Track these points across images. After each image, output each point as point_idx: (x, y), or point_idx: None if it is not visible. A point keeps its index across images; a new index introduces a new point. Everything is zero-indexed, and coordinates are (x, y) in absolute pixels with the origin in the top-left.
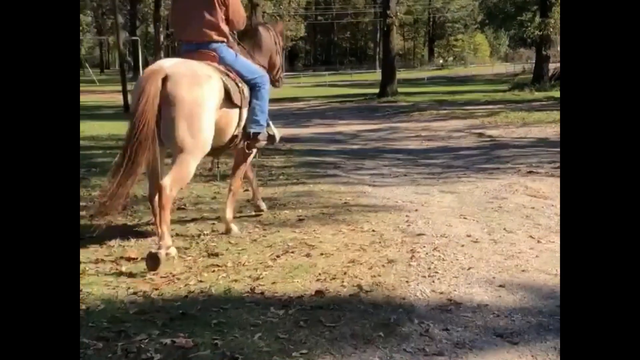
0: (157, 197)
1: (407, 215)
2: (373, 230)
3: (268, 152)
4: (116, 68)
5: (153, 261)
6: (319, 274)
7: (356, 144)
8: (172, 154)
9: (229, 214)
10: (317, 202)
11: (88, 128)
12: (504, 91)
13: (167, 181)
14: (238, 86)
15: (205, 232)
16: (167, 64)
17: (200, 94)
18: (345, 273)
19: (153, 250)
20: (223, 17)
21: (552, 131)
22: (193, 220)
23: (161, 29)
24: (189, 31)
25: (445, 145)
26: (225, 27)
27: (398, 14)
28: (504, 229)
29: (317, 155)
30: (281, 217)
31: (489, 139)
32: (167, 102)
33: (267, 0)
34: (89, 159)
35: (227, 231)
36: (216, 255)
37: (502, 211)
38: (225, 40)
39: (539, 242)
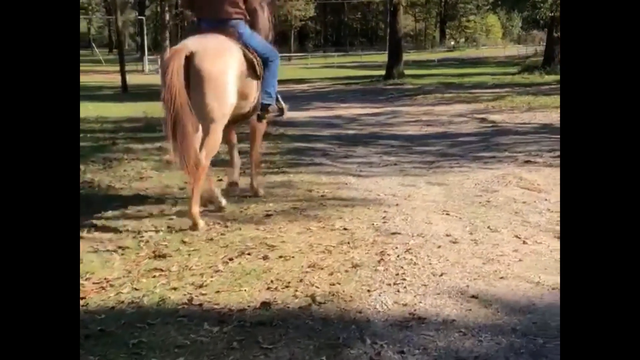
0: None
1: (385, 211)
2: (344, 229)
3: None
4: (125, 48)
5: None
6: (271, 281)
7: (352, 129)
8: (202, 125)
9: (256, 182)
10: (292, 194)
11: (81, 109)
12: (514, 74)
13: (203, 154)
14: (256, 60)
15: (159, 229)
16: (190, 41)
17: (223, 66)
18: (301, 280)
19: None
20: None
21: (557, 116)
22: (150, 215)
23: (167, 9)
24: (210, 9)
25: (444, 131)
26: (243, 6)
27: None
28: (488, 227)
29: (308, 141)
30: (248, 211)
31: (490, 124)
32: (194, 76)
33: None
34: None
35: (255, 194)
36: (163, 256)
37: (489, 206)
38: (243, 17)
39: (524, 242)
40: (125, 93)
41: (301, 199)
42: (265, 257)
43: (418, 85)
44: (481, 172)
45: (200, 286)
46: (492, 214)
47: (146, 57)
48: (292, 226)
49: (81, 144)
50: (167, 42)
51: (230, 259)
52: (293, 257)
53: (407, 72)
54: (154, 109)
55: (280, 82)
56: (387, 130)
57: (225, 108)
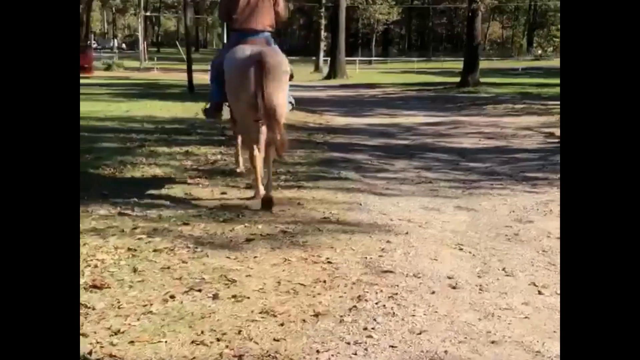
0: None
1: (388, 241)
2: (329, 262)
3: (292, 146)
4: (213, 47)
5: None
6: (202, 332)
7: (404, 139)
8: (269, 121)
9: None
10: (291, 214)
11: (133, 107)
12: None
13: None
14: None
15: (120, 252)
16: (260, 49)
17: (286, 72)
18: (240, 332)
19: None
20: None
21: None
22: (120, 232)
23: None
24: (251, 21)
25: (503, 145)
26: (274, 19)
27: None
28: (503, 269)
29: (348, 151)
30: (230, 233)
31: (556, 140)
32: (272, 76)
33: None
34: (92, 143)
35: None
36: (100, 288)
37: (515, 241)
38: (272, 30)
39: (539, 293)
40: (191, 92)
41: (298, 220)
42: (215, 296)
43: (492, 94)
44: (523, 196)
45: (117, 332)
46: (514, 251)
47: None
48: (270, 255)
49: (107, 145)
50: None
51: (172, 297)
52: (248, 297)
53: (485, 80)
54: None
55: (352, 86)
56: (440, 142)
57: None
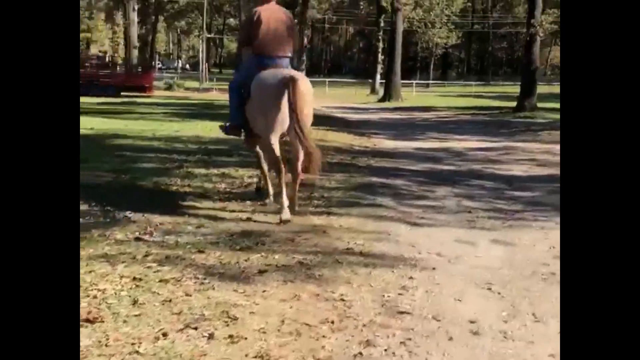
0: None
1: (411, 277)
2: (342, 299)
3: (333, 169)
4: None
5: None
6: None
7: (451, 165)
8: (300, 140)
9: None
10: (313, 244)
11: (184, 127)
12: None
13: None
14: None
15: (124, 281)
16: (294, 74)
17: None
18: None
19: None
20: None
21: None
22: (131, 260)
23: (306, 31)
24: (277, 47)
25: (554, 173)
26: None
27: (544, 23)
28: (533, 313)
29: (389, 176)
30: (245, 263)
31: None
32: (303, 99)
33: (418, 7)
34: (133, 163)
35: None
36: (92, 322)
37: (551, 281)
38: (291, 56)
39: None
40: None
41: (319, 251)
42: (210, 336)
43: (549, 119)
44: None
45: None
46: (548, 293)
47: None
48: (281, 290)
49: (146, 165)
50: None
51: (165, 335)
52: (246, 338)
53: (543, 105)
54: None
55: (406, 109)
56: (488, 169)
57: None
